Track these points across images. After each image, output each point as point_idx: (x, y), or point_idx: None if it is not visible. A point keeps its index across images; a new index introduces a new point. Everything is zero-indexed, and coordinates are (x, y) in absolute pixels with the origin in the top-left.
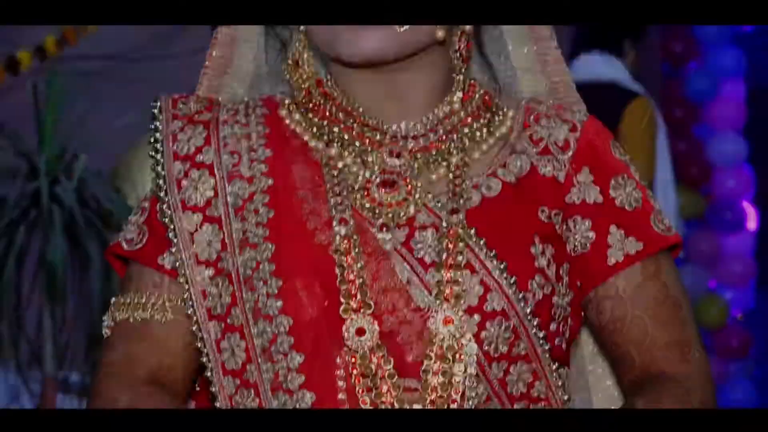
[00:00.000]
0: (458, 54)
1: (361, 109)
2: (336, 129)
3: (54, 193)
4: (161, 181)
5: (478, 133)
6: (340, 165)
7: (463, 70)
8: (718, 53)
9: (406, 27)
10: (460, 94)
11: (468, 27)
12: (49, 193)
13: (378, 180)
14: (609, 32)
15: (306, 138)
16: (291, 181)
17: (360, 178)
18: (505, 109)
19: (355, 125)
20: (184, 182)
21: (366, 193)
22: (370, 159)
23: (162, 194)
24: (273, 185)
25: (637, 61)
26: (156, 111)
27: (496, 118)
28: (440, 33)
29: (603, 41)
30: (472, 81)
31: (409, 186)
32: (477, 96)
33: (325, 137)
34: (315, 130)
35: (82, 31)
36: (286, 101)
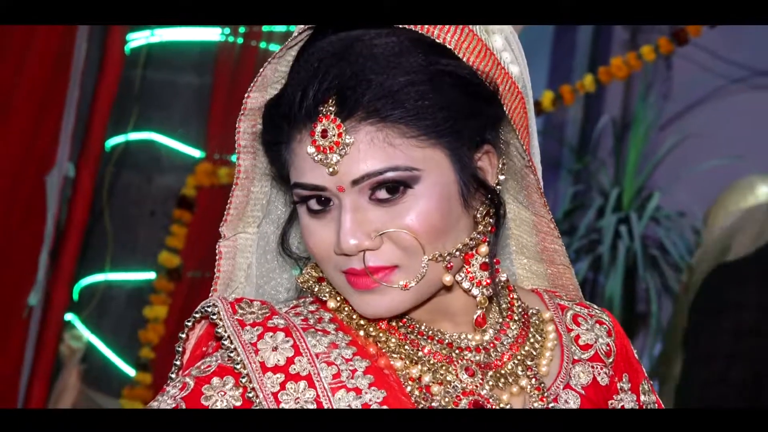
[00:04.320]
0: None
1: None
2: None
3: (618, 232)
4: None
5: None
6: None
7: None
8: None
9: (412, 284)
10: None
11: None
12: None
13: None
14: None
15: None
16: None
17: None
18: (536, 311)
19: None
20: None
21: None
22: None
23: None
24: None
25: None
26: None
27: (537, 321)
28: (447, 278)
29: None
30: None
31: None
32: (517, 305)
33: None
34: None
35: None
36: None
